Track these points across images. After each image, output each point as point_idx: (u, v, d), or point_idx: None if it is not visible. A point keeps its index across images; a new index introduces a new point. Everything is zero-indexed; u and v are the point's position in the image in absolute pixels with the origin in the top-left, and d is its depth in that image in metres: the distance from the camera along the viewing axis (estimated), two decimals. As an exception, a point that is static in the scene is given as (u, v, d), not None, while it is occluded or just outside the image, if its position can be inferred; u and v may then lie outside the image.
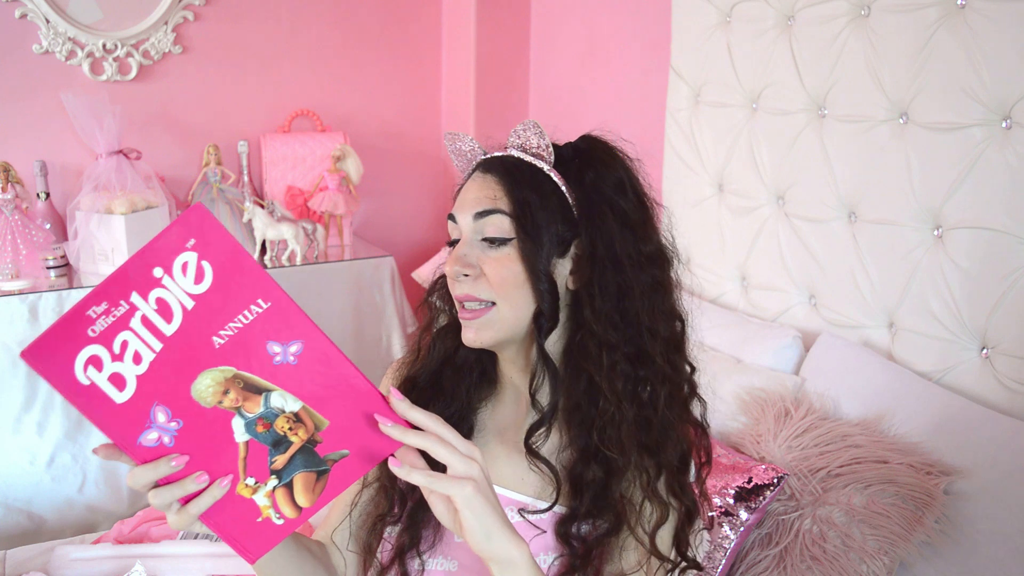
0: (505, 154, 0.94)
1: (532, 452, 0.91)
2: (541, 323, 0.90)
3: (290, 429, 0.71)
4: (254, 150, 2.76)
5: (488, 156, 0.95)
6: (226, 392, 0.67)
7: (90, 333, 0.61)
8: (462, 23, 2.85)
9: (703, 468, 0.95)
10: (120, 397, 0.65)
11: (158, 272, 0.58)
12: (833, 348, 1.68)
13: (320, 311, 2.53)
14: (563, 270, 0.91)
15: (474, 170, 0.95)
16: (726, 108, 1.97)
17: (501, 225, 0.89)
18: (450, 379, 0.98)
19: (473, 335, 0.90)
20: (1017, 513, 1.26)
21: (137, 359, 0.63)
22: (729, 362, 1.77)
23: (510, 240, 0.89)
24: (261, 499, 0.73)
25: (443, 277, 0.99)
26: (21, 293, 2.17)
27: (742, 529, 1.40)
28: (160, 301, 0.60)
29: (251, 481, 0.73)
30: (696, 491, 0.93)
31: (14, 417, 2.17)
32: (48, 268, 2.32)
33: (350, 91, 2.90)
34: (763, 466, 1.44)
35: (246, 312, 0.64)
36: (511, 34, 2.84)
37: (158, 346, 0.63)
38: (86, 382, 0.63)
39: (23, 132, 2.47)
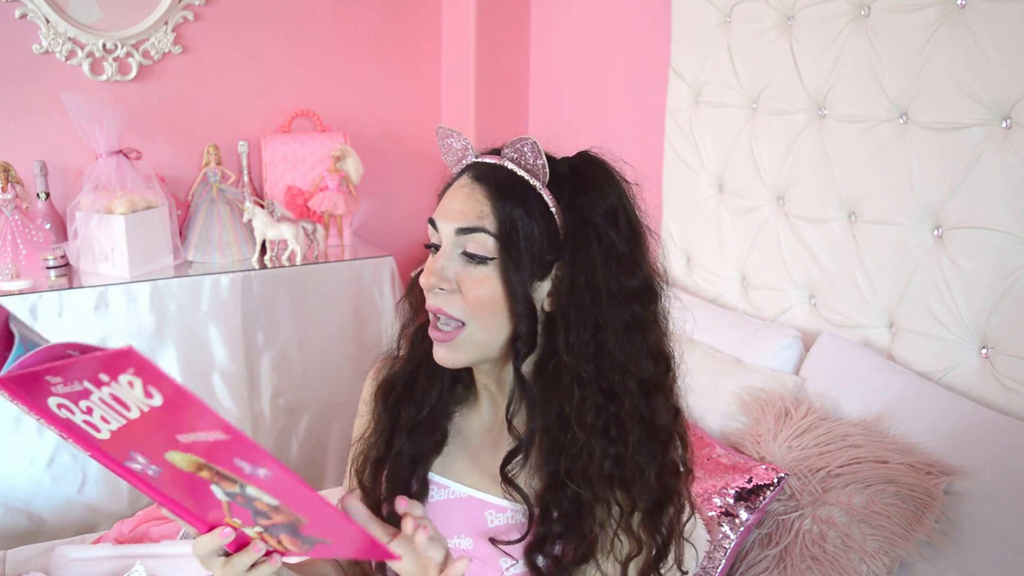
0: (499, 163, 0.90)
1: (507, 480, 0.90)
2: (518, 347, 0.89)
3: (272, 510, 0.70)
4: (254, 150, 2.75)
5: (480, 160, 0.92)
6: (200, 469, 0.67)
7: (54, 391, 0.61)
8: (462, 23, 2.85)
9: (680, 512, 0.92)
10: (99, 436, 0.65)
11: (105, 377, 0.58)
12: (833, 348, 1.68)
13: (320, 311, 2.53)
14: (542, 292, 0.89)
15: (463, 172, 0.93)
16: (726, 108, 1.97)
17: (484, 244, 0.87)
18: (423, 384, 0.97)
19: (444, 355, 0.89)
20: (1017, 513, 1.26)
21: (105, 420, 0.64)
22: (729, 362, 1.77)
23: (491, 260, 0.87)
24: (250, 531, 0.74)
25: (420, 276, 0.98)
26: (21, 293, 2.17)
27: (742, 529, 1.40)
28: (113, 396, 0.60)
29: (237, 521, 0.73)
30: (670, 532, 0.90)
31: (14, 417, 2.17)
32: (48, 268, 2.32)
33: (350, 91, 2.89)
34: (763, 466, 1.44)
35: (206, 432, 0.63)
36: (511, 34, 2.83)
37: (122, 420, 0.63)
38: (64, 416, 0.64)
39: (23, 132, 2.47)
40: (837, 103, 1.70)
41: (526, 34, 2.86)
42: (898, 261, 1.59)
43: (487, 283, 0.87)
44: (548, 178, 0.89)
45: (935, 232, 1.53)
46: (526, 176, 0.89)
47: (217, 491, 0.69)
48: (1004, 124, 1.40)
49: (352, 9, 2.83)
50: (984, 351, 1.47)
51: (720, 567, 1.39)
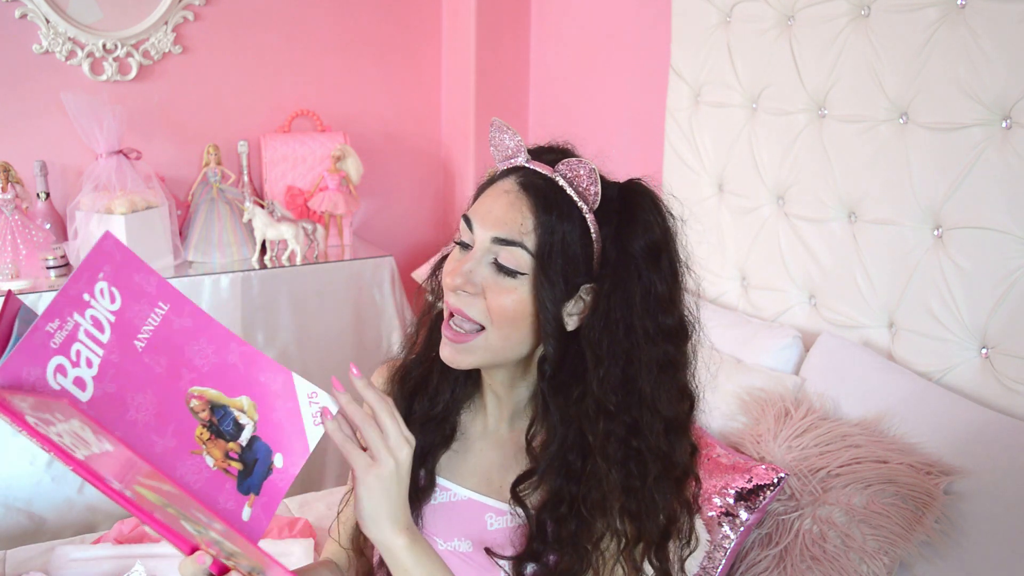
0: (551, 176, 0.87)
1: (518, 500, 0.89)
2: (545, 369, 0.88)
3: (236, 554, 0.71)
4: (254, 150, 2.76)
5: (531, 168, 0.89)
6: (167, 506, 0.68)
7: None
8: (462, 23, 2.85)
9: (684, 547, 0.91)
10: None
11: (60, 416, 0.63)
12: (833, 348, 1.68)
13: (320, 311, 2.53)
14: (566, 310, 0.88)
15: (509, 173, 0.90)
16: (726, 108, 1.97)
17: (519, 259, 0.85)
18: (437, 376, 0.97)
19: (451, 355, 0.88)
20: (1017, 513, 1.26)
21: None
22: (729, 362, 1.77)
23: (522, 275, 0.85)
24: (226, 562, 0.75)
25: (444, 260, 0.96)
26: (21, 293, 2.17)
27: (742, 529, 1.40)
28: (74, 432, 0.64)
29: (212, 552, 0.74)
30: (674, 567, 0.90)
31: (14, 417, 2.17)
32: (48, 268, 2.32)
33: (350, 91, 2.90)
34: (763, 466, 1.44)
35: (159, 482, 0.66)
36: (511, 34, 2.84)
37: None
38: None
39: (23, 132, 2.47)
40: (837, 103, 1.70)
41: (526, 34, 2.86)
42: (898, 261, 1.59)
43: (513, 294, 0.85)
44: (597, 206, 0.87)
45: (935, 232, 1.53)
46: (575, 197, 0.87)
47: (187, 525, 0.70)
48: (1004, 124, 1.40)
49: (352, 9, 2.83)
50: (984, 351, 1.47)
51: (720, 567, 1.39)
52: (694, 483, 0.92)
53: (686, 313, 0.91)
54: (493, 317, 0.86)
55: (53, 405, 0.60)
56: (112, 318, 0.69)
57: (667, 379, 0.88)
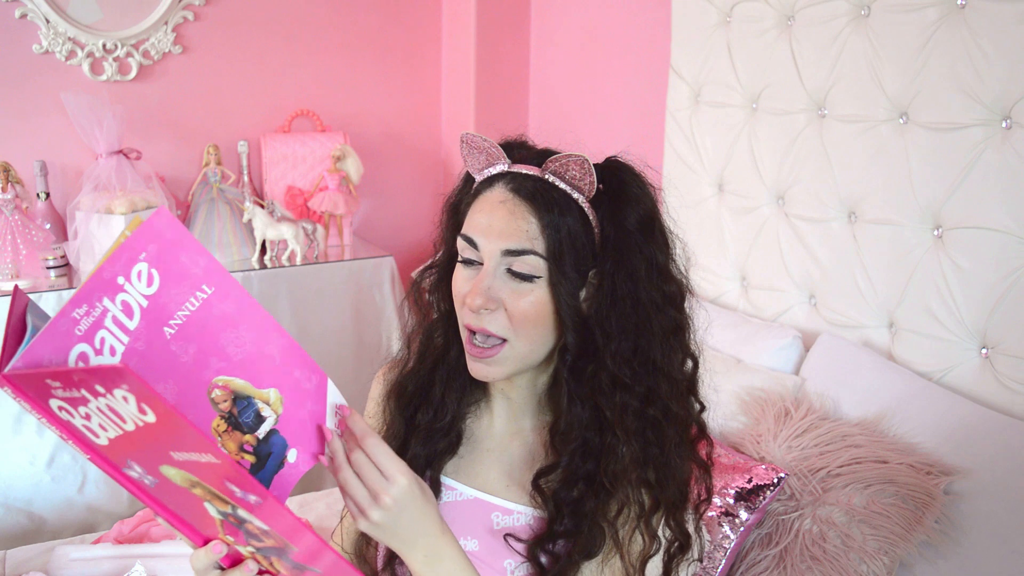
0: (540, 176, 0.88)
1: (539, 491, 0.89)
2: (567, 357, 0.88)
3: (263, 533, 0.70)
4: (254, 150, 2.76)
5: (518, 172, 0.89)
6: (193, 487, 0.68)
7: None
8: (462, 23, 2.85)
9: (701, 505, 0.93)
10: (97, 441, 0.67)
11: (100, 388, 0.62)
12: (833, 348, 1.68)
13: (320, 311, 2.53)
14: (580, 300, 0.89)
15: (495, 181, 0.90)
16: (726, 108, 1.97)
17: (534, 265, 0.85)
18: (440, 387, 0.96)
19: (483, 370, 0.88)
20: (1017, 513, 1.26)
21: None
22: (729, 362, 1.77)
23: (538, 278, 0.86)
24: (243, 550, 0.75)
25: (426, 271, 0.97)
26: (21, 293, 2.17)
27: (742, 529, 1.40)
28: (110, 407, 0.63)
29: (230, 539, 0.74)
30: (692, 527, 0.91)
31: (14, 417, 2.17)
32: (48, 268, 2.32)
33: (350, 91, 2.90)
34: (763, 466, 1.44)
35: (198, 454, 0.65)
36: (511, 34, 2.84)
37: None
38: (64, 418, 0.66)
39: (23, 132, 2.47)
40: (837, 103, 1.70)
41: (526, 34, 2.86)
42: (898, 261, 1.59)
43: (530, 296, 0.86)
44: (593, 194, 0.88)
45: (935, 232, 1.53)
46: (568, 189, 0.87)
47: (210, 509, 0.69)
48: (1004, 124, 1.40)
49: (352, 9, 2.83)
50: (984, 351, 1.47)
51: (720, 567, 1.39)
52: (706, 443, 0.93)
53: (677, 274, 0.93)
54: (515, 324, 0.86)
55: (101, 373, 0.59)
56: (144, 303, 0.68)
57: (675, 344, 0.89)
